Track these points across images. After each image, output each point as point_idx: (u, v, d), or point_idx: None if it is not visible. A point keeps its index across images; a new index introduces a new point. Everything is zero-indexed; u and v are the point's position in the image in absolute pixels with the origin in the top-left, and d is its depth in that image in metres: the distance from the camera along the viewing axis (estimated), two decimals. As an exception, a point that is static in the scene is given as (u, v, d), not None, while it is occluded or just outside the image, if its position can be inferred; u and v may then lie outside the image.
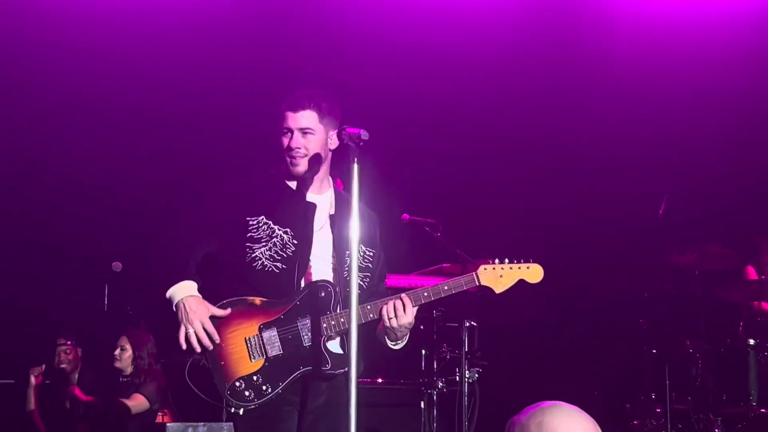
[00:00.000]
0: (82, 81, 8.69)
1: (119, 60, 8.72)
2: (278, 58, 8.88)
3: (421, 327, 7.29)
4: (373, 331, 4.56)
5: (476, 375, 6.86)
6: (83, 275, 8.45)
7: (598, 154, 9.51)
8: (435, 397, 7.15)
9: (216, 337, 4.29)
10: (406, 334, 4.52)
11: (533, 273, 4.65)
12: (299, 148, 4.48)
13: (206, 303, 4.34)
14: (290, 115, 4.52)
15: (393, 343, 4.54)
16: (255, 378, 4.29)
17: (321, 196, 4.61)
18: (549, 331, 9.27)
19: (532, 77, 9.44)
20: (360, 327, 4.29)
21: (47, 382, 8.26)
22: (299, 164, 4.49)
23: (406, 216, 6.91)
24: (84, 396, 8.00)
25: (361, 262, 4.53)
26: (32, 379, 8.21)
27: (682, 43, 9.45)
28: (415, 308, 4.42)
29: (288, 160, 4.51)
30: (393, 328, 4.41)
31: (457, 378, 6.92)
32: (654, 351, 8.41)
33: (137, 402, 7.75)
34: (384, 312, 4.39)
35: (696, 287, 8.44)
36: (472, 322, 6.93)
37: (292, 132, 4.50)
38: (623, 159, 9.48)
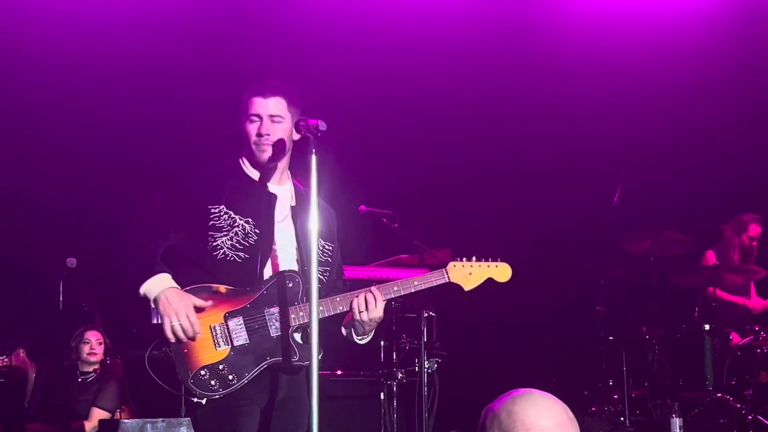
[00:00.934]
0: (31, 76, 8.58)
1: (71, 52, 8.61)
2: (232, 47, 8.82)
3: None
4: (337, 323, 4.50)
5: (435, 365, 6.86)
6: (37, 272, 8.35)
7: (552, 142, 9.55)
8: (395, 388, 7.15)
9: (198, 328, 4.19)
10: (374, 329, 4.47)
11: (501, 272, 4.69)
12: (268, 135, 4.41)
13: (187, 294, 4.23)
14: (259, 100, 4.44)
15: (359, 337, 4.48)
16: (221, 367, 4.21)
17: (282, 187, 4.55)
18: (507, 320, 9.30)
19: (488, 70, 9.47)
20: (326, 319, 4.29)
21: (1, 380, 8.15)
22: (266, 151, 4.41)
23: (363, 207, 6.88)
24: None
25: (320, 256, 4.48)
26: None
27: (639, 31, 9.51)
28: (384, 302, 4.38)
29: (254, 147, 4.43)
30: (363, 321, 4.36)
31: (417, 369, 6.92)
32: (611, 338, 8.48)
33: (96, 420, 7.65)
34: (354, 304, 4.34)
35: (652, 273, 8.51)
36: (431, 313, 6.92)
37: (261, 118, 4.42)
38: (577, 147, 9.53)
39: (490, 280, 4.65)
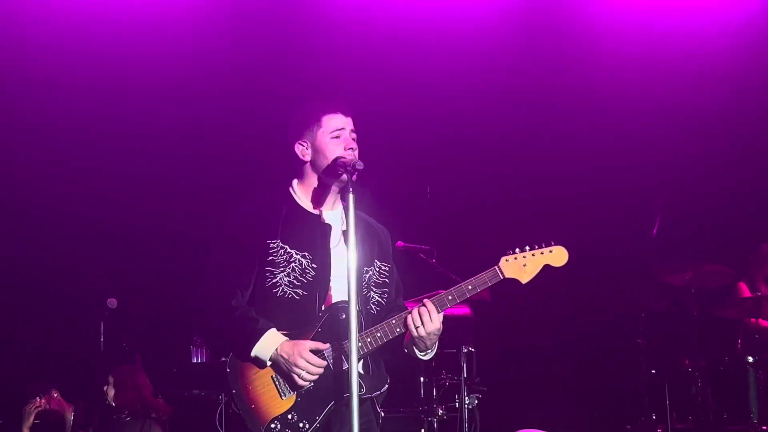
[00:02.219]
0: (72, 110, 8.65)
1: (113, 87, 8.68)
2: (272, 90, 8.86)
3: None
4: (400, 343, 4.39)
5: (476, 401, 6.84)
6: (77, 312, 8.41)
7: (590, 175, 9.50)
8: (435, 425, 7.11)
9: (321, 362, 4.14)
10: (435, 343, 4.34)
11: (557, 256, 4.47)
12: (353, 149, 4.36)
13: (299, 342, 4.16)
14: (342, 117, 4.41)
15: (422, 353, 4.37)
16: (290, 416, 4.16)
17: (333, 212, 4.47)
18: (547, 355, 9.24)
19: (524, 101, 9.42)
20: (387, 345, 4.25)
21: (37, 421, 8.15)
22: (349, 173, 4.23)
23: (400, 243, 6.88)
24: None
25: (377, 278, 4.47)
26: (30, 419, 8.10)
27: (679, 59, 9.43)
28: (441, 314, 4.25)
29: (339, 164, 4.28)
30: (421, 337, 4.25)
31: (457, 405, 6.89)
32: (653, 371, 8.39)
33: None
34: (409, 321, 4.22)
35: (693, 305, 8.43)
36: (470, 348, 6.90)
37: (345, 134, 4.39)
38: (616, 179, 9.47)
39: (547, 268, 4.44)
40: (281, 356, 4.15)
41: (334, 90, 8.49)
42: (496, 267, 4.35)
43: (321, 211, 4.44)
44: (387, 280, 4.53)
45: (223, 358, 4.30)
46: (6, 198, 8.60)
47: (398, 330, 4.26)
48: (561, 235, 8.99)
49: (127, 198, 8.80)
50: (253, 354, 4.18)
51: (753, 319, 8.41)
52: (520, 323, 9.20)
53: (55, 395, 8.10)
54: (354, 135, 4.42)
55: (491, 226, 9.25)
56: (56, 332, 8.53)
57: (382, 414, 4.47)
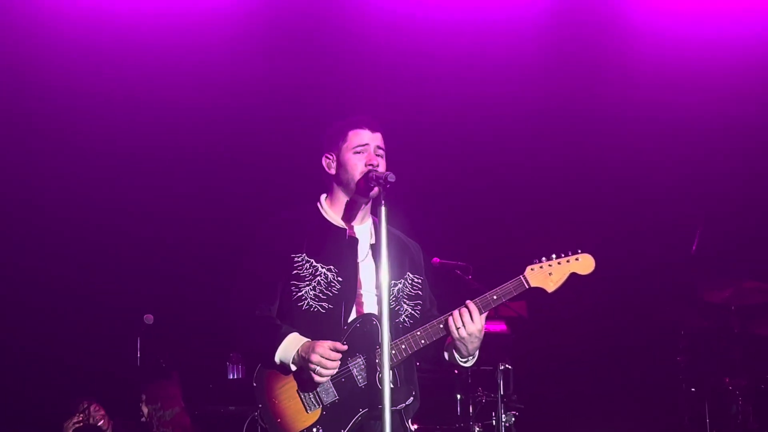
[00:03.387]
0: (112, 126, 8.73)
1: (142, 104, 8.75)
2: (308, 103, 8.88)
3: (456, 371, 7.23)
4: (439, 349, 4.36)
5: (513, 419, 6.80)
6: (114, 329, 8.45)
7: (630, 189, 9.43)
8: (472, 442, 7.07)
9: (336, 356, 4.12)
10: (477, 348, 4.32)
11: (584, 264, 4.41)
12: (377, 165, 4.35)
13: (315, 342, 4.13)
14: (367, 132, 4.41)
15: (463, 359, 4.35)
16: (315, 430, 4.16)
17: (362, 226, 4.49)
18: (585, 372, 9.16)
19: (559, 117, 9.39)
20: (411, 360, 4.25)
21: None
22: (375, 187, 4.27)
23: (436, 260, 6.85)
24: None
25: (410, 290, 4.47)
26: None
27: (721, 70, 9.34)
28: (484, 315, 4.24)
29: (361, 180, 4.32)
30: (462, 338, 4.21)
31: (494, 422, 6.85)
32: (693, 389, 8.31)
33: None
34: (450, 322, 4.21)
35: (733, 323, 8.35)
36: (507, 365, 6.87)
37: (369, 149, 4.39)
38: (656, 193, 9.40)
39: (573, 276, 4.38)
40: (301, 356, 4.15)
41: (364, 102, 8.50)
42: (521, 276, 4.34)
43: (348, 225, 4.45)
44: (420, 292, 4.52)
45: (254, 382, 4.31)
46: (42, 213, 8.67)
47: (422, 342, 4.24)
48: (598, 252, 8.95)
49: (165, 212, 8.84)
50: (277, 359, 4.19)
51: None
52: (557, 340, 9.13)
53: (99, 410, 8.11)
54: (381, 151, 4.42)
55: (527, 241, 9.20)
56: (93, 349, 8.57)
57: (413, 429, 4.44)
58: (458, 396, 7.33)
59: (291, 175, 8.26)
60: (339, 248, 4.37)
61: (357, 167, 4.37)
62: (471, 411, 7.24)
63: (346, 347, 4.17)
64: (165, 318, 8.09)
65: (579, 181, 9.45)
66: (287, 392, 4.21)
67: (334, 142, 4.46)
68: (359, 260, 4.39)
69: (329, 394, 4.20)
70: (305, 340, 4.19)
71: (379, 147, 4.42)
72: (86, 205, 8.80)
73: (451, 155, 9.21)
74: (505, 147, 9.31)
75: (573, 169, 9.42)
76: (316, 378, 4.12)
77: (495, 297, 4.28)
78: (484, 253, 8.49)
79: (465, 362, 4.37)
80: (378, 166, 4.35)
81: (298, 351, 4.15)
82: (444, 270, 6.83)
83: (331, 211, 4.49)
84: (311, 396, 4.19)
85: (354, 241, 4.42)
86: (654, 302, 9.20)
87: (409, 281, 4.49)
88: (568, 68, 9.29)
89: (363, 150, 4.39)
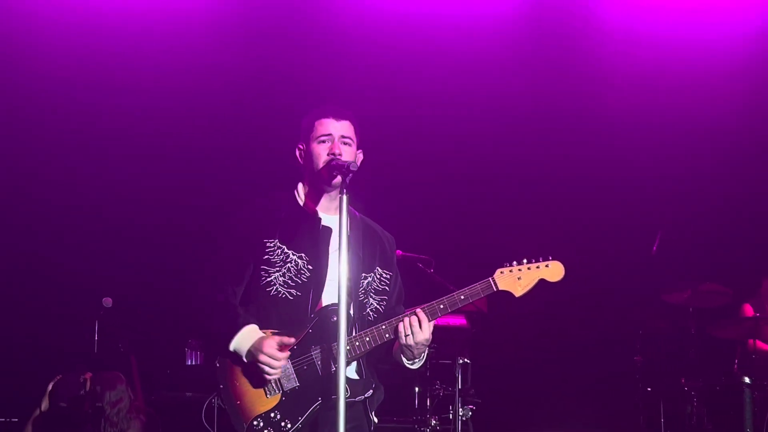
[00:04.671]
0: (71, 103, 8.65)
1: (113, 79, 8.69)
2: (280, 92, 8.87)
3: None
4: (389, 351, 4.38)
5: (470, 413, 6.80)
6: (72, 311, 8.38)
7: (591, 190, 9.49)
8: (428, 436, 7.08)
9: (282, 356, 4.13)
10: (424, 352, 4.33)
11: (553, 271, 4.38)
12: (341, 154, 4.33)
13: (267, 337, 4.15)
14: (331, 122, 4.39)
15: (410, 362, 4.34)
16: (273, 414, 4.16)
17: (336, 216, 4.38)
18: (543, 369, 9.21)
19: (524, 117, 9.43)
20: (375, 350, 4.24)
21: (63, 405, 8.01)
22: (338, 175, 4.26)
23: (399, 252, 6.83)
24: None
25: (377, 285, 4.47)
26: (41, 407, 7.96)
27: (683, 74, 9.43)
28: (432, 322, 4.23)
29: (324, 169, 4.33)
30: (409, 345, 4.22)
31: (451, 416, 6.86)
32: (649, 389, 8.36)
33: None
34: (400, 328, 4.20)
35: (691, 324, 8.41)
36: (466, 359, 6.88)
37: (333, 139, 4.37)
38: (617, 196, 9.46)
39: (542, 282, 4.36)
40: (251, 352, 4.16)
41: (337, 92, 8.53)
42: (490, 278, 4.32)
43: (321, 214, 4.44)
44: (387, 287, 4.52)
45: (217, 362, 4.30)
46: (0, 195, 8.59)
47: (387, 335, 4.25)
48: (560, 249, 8.99)
49: (126, 196, 8.78)
50: (231, 348, 4.20)
51: (751, 340, 8.39)
52: (516, 336, 9.17)
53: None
54: (347, 140, 4.40)
55: (491, 238, 9.23)
56: (50, 331, 8.50)
57: (376, 420, 4.44)
58: (416, 389, 7.33)
59: (266, 163, 8.25)
60: (311, 237, 4.37)
61: (321, 157, 4.36)
62: (429, 404, 7.25)
63: (292, 340, 4.18)
64: (124, 302, 8.05)
65: (544, 180, 9.49)
66: (249, 375, 4.20)
67: (304, 133, 4.46)
68: (331, 250, 4.37)
69: (290, 381, 4.21)
70: (260, 334, 4.20)
71: (344, 136, 4.40)
72: (47, 186, 8.73)
73: (420, 148, 9.22)
74: (474, 143, 9.35)
75: (539, 167, 9.46)
76: (265, 376, 4.15)
77: (462, 297, 4.27)
78: (449, 247, 8.54)
79: (411, 365, 4.38)
80: (341, 155, 4.33)
81: (251, 346, 4.16)
82: (406, 263, 6.83)
83: (307, 199, 4.48)
84: (272, 381, 4.20)
85: (327, 231, 4.41)
86: (613, 302, 9.27)
87: (378, 275, 4.49)
88: (540, 66, 9.38)
89: (327, 139, 4.38)
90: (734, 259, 9.30)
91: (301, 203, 4.48)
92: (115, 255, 8.71)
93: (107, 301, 7.84)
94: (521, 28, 9.36)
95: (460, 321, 7.55)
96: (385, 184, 8.59)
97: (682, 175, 9.49)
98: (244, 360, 4.19)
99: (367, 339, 4.24)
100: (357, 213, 4.57)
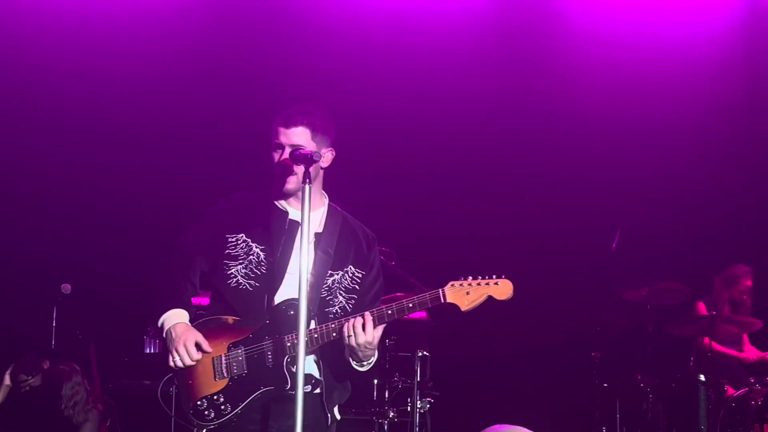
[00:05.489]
0: (35, 88, 8.59)
1: (82, 66, 8.64)
2: (248, 83, 8.86)
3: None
4: (343, 351, 4.41)
5: (428, 405, 6.82)
6: (30, 297, 8.31)
7: (552, 187, 9.54)
8: (386, 427, 7.10)
9: (195, 356, 4.27)
10: (371, 356, 4.38)
11: (502, 289, 4.42)
12: (285, 164, 4.41)
13: (193, 330, 4.33)
14: (282, 130, 4.45)
15: (357, 364, 4.40)
16: (216, 397, 4.28)
17: (312, 213, 4.46)
18: (501, 363, 9.25)
19: (489, 106, 9.46)
20: (336, 349, 4.30)
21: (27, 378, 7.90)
22: (289, 181, 4.41)
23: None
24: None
25: (348, 283, 4.52)
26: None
27: (640, 78, 9.52)
28: (380, 327, 4.27)
29: (277, 177, 4.45)
30: (352, 347, 4.28)
31: (409, 408, 6.88)
32: (605, 385, 8.42)
33: None
34: (344, 330, 4.27)
35: (648, 322, 8.47)
36: (425, 352, 6.89)
37: (283, 148, 4.43)
38: (577, 192, 9.51)
39: (491, 300, 4.41)
40: (171, 333, 4.32)
41: (310, 88, 8.56)
42: (440, 290, 4.37)
43: (290, 208, 4.51)
44: (357, 286, 4.55)
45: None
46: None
47: (333, 335, 4.31)
48: (521, 244, 9.06)
49: (88, 182, 8.72)
50: (159, 322, 4.40)
51: (707, 338, 8.47)
52: (476, 330, 9.18)
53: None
54: (297, 147, 4.40)
55: (455, 231, 9.27)
56: (6, 317, 8.42)
57: (338, 417, 4.53)
58: (375, 381, 7.34)
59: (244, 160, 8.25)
60: (277, 230, 4.46)
61: (272, 164, 4.48)
62: (387, 396, 7.26)
63: (210, 350, 4.31)
64: (83, 288, 7.99)
65: (508, 175, 9.54)
66: (204, 357, 4.32)
67: (270, 135, 4.55)
68: (297, 244, 4.42)
69: (240, 367, 4.31)
70: (184, 320, 4.36)
71: (295, 144, 4.42)
72: (4, 169, 8.65)
73: (389, 141, 9.24)
74: (442, 137, 9.38)
75: (504, 162, 9.50)
76: (170, 362, 4.31)
77: (411, 305, 4.30)
78: (412, 240, 8.55)
79: (359, 367, 4.43)
80: (290, 166, 4.41)
81: (174, 326, 4.33)
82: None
83: (279, 196, 4.54)
84: (223, 365, 4.32)
85: (294, 224, 4.46)
86: (572, 298, 9.32)
87: (350, 274, 4.53)
88: (509, 64, 9.44)
89: (278, 148, 4.47)
90: (692, 257, 9.39)
91: (274, 199, 4.55)
92: (75, 240, 8.65)
93: (66, 288, 7.78)
94: (490, 26, 9.41)
95: (420, 314, 7.56)
96: (350, 176, 8.58)
97: (643, 174, 9.56)
98: (163, 335, 4.37)
99: (316, 336, 4.31)
100: (338, 209, 4.63)
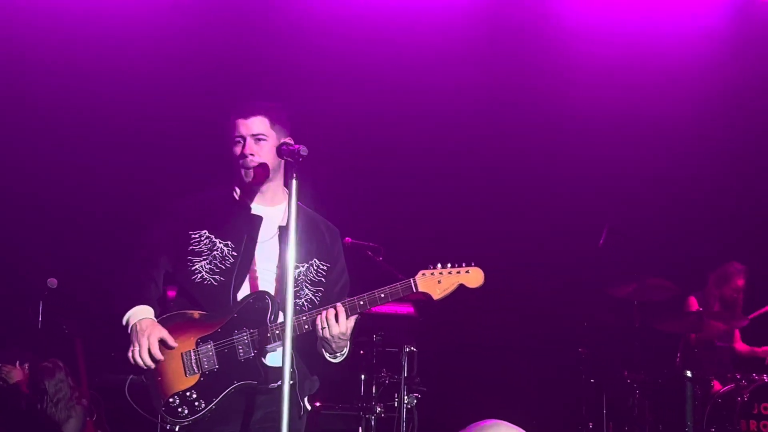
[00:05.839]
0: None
1: (55, 64, 8.61)
2: (221, 74, 8.84)
3: (361, 352, 7.25)
4: (315, 343, 4.45)
5: (415, 401, 6.81)
6: (15, 291, 8.27)
7: (540, 183, 9.55)
8: (373, 423, 7.09)
9: (158, 356, 4.24)
10: (344, 347, 4.41)
11: (473, 277, 4.43)
12: (253, 155, 4.43)
13: (159, 326, 4.30)
14: (242, 122, 4.47)
15: (330, 355, 4.42)
16: (188, 394, 4.26)
17: (272, 207, 4.56)
18: (488, 359, 9.26)
19: (476, 103, 9.46)
20: (309, 341, 4.30)
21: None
22: (252, 171, 4.44)
23: (348, 239, 6.85)
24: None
25: (314, 276, 4.52)
26: None
27: (629, 69, 9.53)
28: (352, 318, 4.30)
29: (242, 170, 4.46)
30: (326, 338, 4.30)
31: (396, 403, 6.87)
32: (592, 380, 8.44)
33: None
34: (318, 321, 4.28)
35: (635, 318, 8.48)
36: (412, 348, 6.88)
37: (244, 139, 4.45)
38: (565, 188, 9.53)
39: (462, 288, 4.42)
40: (136, 327, 4.29)
41: (294, 82, 8.54)
42: (411, 279, 4.40)
43: (253, 204, 4.53)
44: (323, 279, 4.56)
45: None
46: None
47: (306, 327, 4.31)
48: (509, 240, 9.05)
49: (72, 176, 8.69)
50: (124, 319, 4.35)
51: (694, 335, 8.49)
52: (463, 326, 9.21)
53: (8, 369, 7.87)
54: (259, 137, 4.46)
55: (443, 226, 9.27)
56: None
57: (309, 408, 4.53)
58: (362, 376, 7.33)
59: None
60: (239, 225, 4.47)
61: (235, 158, 4.49)
62: (374, 391, 7.25)
63: (176, 345, 4.29)
64: (69, 282, 7.96)
65: (496, 171, 9.54)
66: (171, 353, 4.29)
67: (227, 132, 4.56)
68: (261, 239, 4.47)
69: (210, 362, 4.29)
70: (150, 316, 4.34)
71: (256, 134, 4.46)
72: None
73: (378, 137, 9.24)
74: (429, 134, 9.38)
75: (493, 159, 9.51)
76: (129, 354, 4.27)
77: (382, 295, 4.33)
78: (400, 235, 8.55)
79: (333, 359, 4.46)
80: (253, 155, 4.43)
81: (140, 320, 4.30)
82: (355, 250, 6.83)
83: (241, 192, 4.56)
84: (193, 361, 4.29)
85: (257, 220, 4.49)
86: (559, 294, 9.34)
87: (315, 267, 4.54)
88: (495, 60, 9.43)
89: (239, 139, 4.48)
90: (680, 253, 9.42)
91: (236, 195, 4.57)
92: (61, 234, 8.62)
93: (52, 282, 7.76)
94: (477, 22, 9.40)
95: (407, 309, 7.57)
96: (338, 171, 8.58)
97: (631, 170, 9.58)
98: (128, 331, 4.32)
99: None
100: (300, 204, 4.60)
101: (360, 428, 7.15)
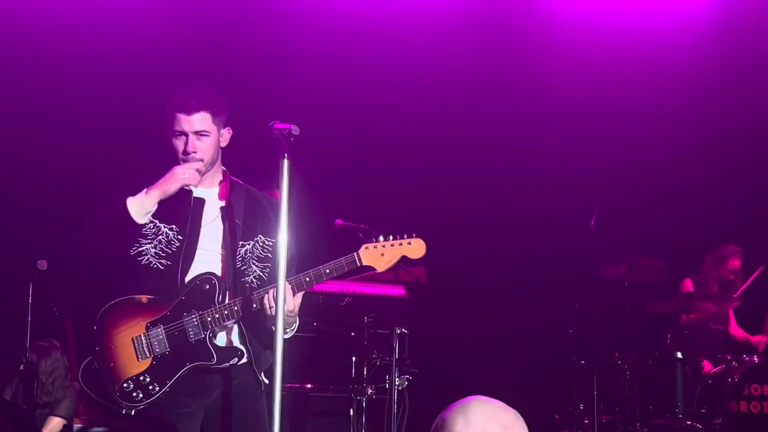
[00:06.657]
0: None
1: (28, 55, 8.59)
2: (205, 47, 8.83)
3: (352, 333, 7.26)
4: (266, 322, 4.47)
5: (406, 382, 6.81)
6: (4, 273, 8.24)
7: (530, 163, 9.55)
8: (364, 404, 7.10)
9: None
10: (293, 323, 4.46)
11: (415, 248, 4.50)
12: (196, 152, 4.46)
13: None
14: (183, 117, 4.46)
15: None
16: (142, 378, 4.31)
17: (212, 189, 4.59)
18: (479, 341, 9.27)
19: (467, 91, 9.45)
20: (258, 318, 4.34)
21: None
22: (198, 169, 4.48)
23: (339, 221, 6.85)
24: None
25: (260, 253, 4.56)
26: None
27: (619, 54, 9.53)
28: (299, 294, 4.34)
29: (182, 163, 4.49)
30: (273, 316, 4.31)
31: (387, 385, 6.87)
32: (582, 362, 8.45)
33: (52, 426, 7.54)
34: (266, 300, 4.30)
35: (625, 299, 8.49)
36: (403, 330, 6.88)
37: (186, 135, 4.46)
38: (556, 168, 9.53)
39: (404, 259, 4.50)
40: (155, 185, 4.44)
41: (287, 67, 8.51)
42: (354, 253, 4.45)
43: (194, 187, 4.54)
44: (269, 255, 4.58)
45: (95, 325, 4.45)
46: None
47: (254, 306, 4.35)
48: (500, 222, 9.05)
49: (63, 157, 8.66)
50: (131, 213, 4.41)
51: (684, 316, 8.51)
52: (454, 308, 9.22)
53: None
54: (202, 134, 4.47)
55: (434, 209, 9.26)
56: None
57: (266, 381, 4.57)
58: (353, 358, 7.33)
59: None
60: (183, 209, 4.49)
61: (177, 152, 4.51)
62: (365, 373, 7.25)
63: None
64: (59, 264, 7.92)
65: (487, 155, 9.54)
66: (123, 339, 4.34)
67: (167, 119, 4.53)
68: (204, 221, 4.51)
69: (161, 345, 4.34)
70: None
71: (198, 131, 4.46)
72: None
73: (370, 121, 9.23)
74: (422, 118, 9.37)
75: (483, 142, 9.50)
76: (181, 172, 4.39)
77: (327, 270, 4.37)
78: (392, 216, 8.55)
79: (283, 335, 4.42)
80: (195, 152, 4.45)
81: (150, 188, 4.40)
82: (347, 232, 6.82)
83: None
84: (144, 345, 4.33)
85: (199, 202, 4.53)
86: (549, 275, 9.34)
87: (260, 243, 4.57)
88: (485, 50, 9.41)
89: (180, 135, 4.49)
90: (670, 234, 9.43)
91: None
92: (51, 215, 8.58)
93: (42, 264, 7.71)
94: (467, 12, 9.39)
95: (398, 291, 7.57)
96: (331, 155, 8.57)
97: (621, 151, 9.59)
98: (140, 205, 4.40)
99: (236, 309, 4.36)
100: (241, 182, 4.68)
101: (351, 410, 7.17)
